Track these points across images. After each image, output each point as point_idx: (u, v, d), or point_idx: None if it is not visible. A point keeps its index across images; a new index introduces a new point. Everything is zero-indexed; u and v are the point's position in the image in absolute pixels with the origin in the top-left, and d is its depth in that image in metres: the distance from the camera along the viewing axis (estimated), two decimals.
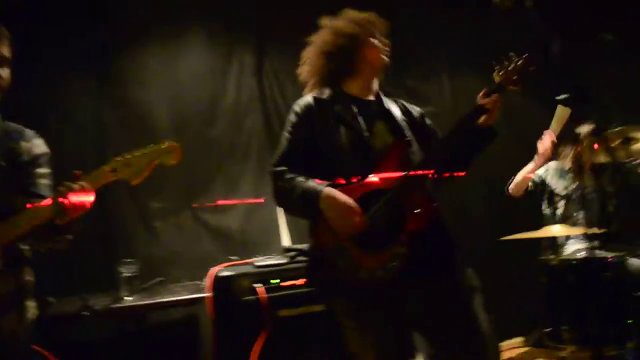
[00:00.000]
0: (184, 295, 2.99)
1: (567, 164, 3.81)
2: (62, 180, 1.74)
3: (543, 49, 1.81)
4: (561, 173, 3.82)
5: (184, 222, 3.68)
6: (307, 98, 2.10)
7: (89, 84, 3.57)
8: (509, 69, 1.95)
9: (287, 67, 4.05)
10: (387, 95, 2.22)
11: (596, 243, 3.66)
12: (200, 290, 2.97)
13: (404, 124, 2.10)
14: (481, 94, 2.00)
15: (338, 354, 2.73)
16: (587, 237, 3.49)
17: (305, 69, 2.21)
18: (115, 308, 2.82)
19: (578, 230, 3.45)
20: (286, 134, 2.06)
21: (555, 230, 3.10)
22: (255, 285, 2.83)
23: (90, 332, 2.98)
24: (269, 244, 3.70)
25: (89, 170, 1.78)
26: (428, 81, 4.53)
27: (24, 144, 1.96)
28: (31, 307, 1.94)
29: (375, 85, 2.19)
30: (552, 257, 3.37)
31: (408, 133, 2.07)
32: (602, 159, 3.58)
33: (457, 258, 1.99)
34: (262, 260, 3.01)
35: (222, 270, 2.91)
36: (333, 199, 1.85)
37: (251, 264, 3.03)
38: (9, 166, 1.90)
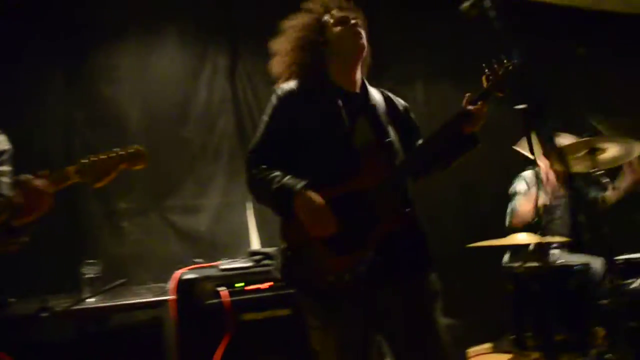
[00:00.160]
0: (147, 297, 2.93)
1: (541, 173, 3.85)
2: None
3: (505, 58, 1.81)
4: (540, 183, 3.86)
5: (152, 223, 3.64)
6: (291, 84, 2.04)
7: (59, 82, 3.51)
8: (499, 73, 1.89)
9: (261, 69, 3.97)
10: (374, 85, 2.17)
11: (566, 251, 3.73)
12: (165, 293, 2.93)
13: (387, 120, 2.04)
14: (466, 100, 1.96)
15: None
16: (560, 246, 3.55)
17: (277, 62, 2.16)
18: (75, 309, 2.76)
19: (546, 239, 3.47)
20: (265, 118, 2.03)
21: (521, 238, 3.12)
22: (219, 288, 2.80)
23: (50, 333, 2.92)
24: (239, 246, 3.68)
25: (56, 169, 1.76)
26: (402, 86, 4.54)
27: None
28: None
29: (359, 74, 2.10)
30: (517, 264, 3.39)
31: (390, 131, 2.02)
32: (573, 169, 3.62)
33: (425, 263, 2.00)
34: (227, 264, 2.98)
35: (186, 273, 2.88)
36: (306, 200, 1.83)
37: (216, 267, 3.00)
38: None
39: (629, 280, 3.42)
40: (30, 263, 2.85)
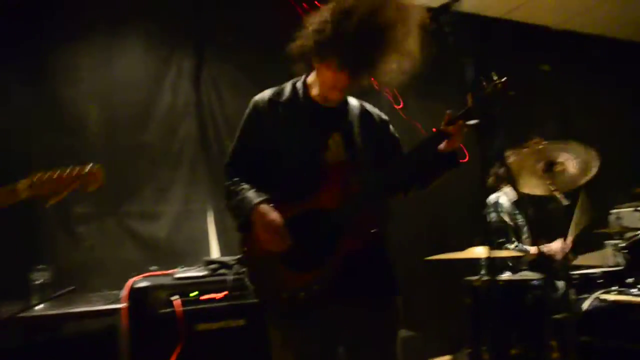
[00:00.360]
0: (99, 305, 2.86)
1: (512, 194, 3.90)
2: None
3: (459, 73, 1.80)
4: (512, 205, 3.90)
5: (109, 229, 3.56)
6: (265, 95, 2.00)
7: (18, 81, 3.42)
8: (487, 91, 1.80)
9: (226, 74, 4.02)
10: (357, 97, 2.10)
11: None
12: (118, 301, 2.86)
13: (362, 138, 1.98)
14: (445, 118, 1.87)
15: None
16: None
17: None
18: (23, 317, 2.67)
19: (503, 253, 3.51)
20: (240, 130, 2.02)
21: (478, 251, 3.14)
22: (172, 297, 2.74)
23: None
24: (198, 254, 3.61)
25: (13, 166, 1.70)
26: (367, 99, 4.54)
27: None
28: None
29: (340, 92, 1.97)
30: (475, 278, 3.41)
31: (364, 149, 1.96)
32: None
33: (388, 288, 1.96)
34: (181, 272, 2.92)
35: (140, 281, 2.82)
36: (262, 215, 1.82)
37: (171, 275, 2.94)
38: None
39: (585, 295, 3.47)
40: None
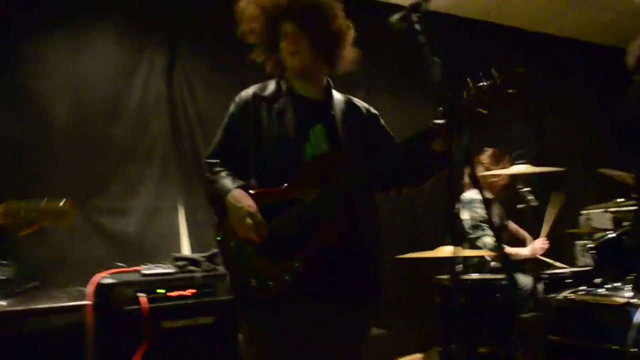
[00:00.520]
0: (64, 301, 2.81)
1: (488, 193, 3.93)
2: None
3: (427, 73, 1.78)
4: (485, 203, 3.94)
5: (76, 224, 3.46)
6: (249, 91, 2.02)
7: None
8: (484, 88, 1.70)
9: (200, 70, 3.97)
10: (345, 91, 2.09)
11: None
12: (84, 297, 2.81)
13: (346, 131, 1.96)
14: (437, 115, 1.76)
15: None
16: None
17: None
18: None
19: (474, 252, 3.54)
20: (223, 125, 2.03)
21: (448, 250, 3.15)
22: (138, 294, 2.70)
23: None
24: (168, 251, 3.56)
25: None
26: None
27: None
28: None
29: (321, 81, 2.03)
30: (445, 277, 3.43)
31: (348, 142, 1.94)
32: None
33: (364, 289, 1.90)
34: (149, 269, 2.88)
35: (106, 277, 2.77)
36: (236, 201, 1.83)
37: (138, 272, 2.90)
38: None
39: (553, 295, 3.50)
40: None
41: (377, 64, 4.40)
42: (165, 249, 3.60)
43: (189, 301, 2.80)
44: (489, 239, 3.67)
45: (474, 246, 3.69)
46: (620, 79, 2.83)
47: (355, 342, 1.92)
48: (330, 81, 2.09)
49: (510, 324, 3.32)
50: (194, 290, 2.81)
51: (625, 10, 5.15)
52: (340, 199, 1.81)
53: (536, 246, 3.69)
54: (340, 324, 1.87)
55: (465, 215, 3.81)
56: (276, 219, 1.84)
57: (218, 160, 1.99)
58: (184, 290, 2.79)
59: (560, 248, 5.01)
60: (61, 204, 1.78)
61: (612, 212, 4.52)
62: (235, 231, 1.85)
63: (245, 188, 1.89)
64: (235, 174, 1.94)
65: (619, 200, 4.40)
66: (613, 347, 2.97)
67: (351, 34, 2.03)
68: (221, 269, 2.98)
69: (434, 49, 1.69)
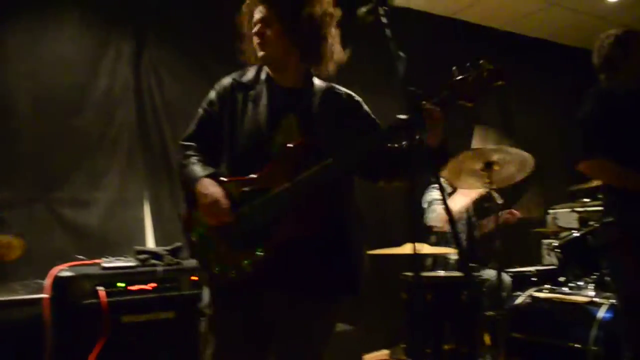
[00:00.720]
0: (21, 294, 2.73)
1: (449, 187, 3.95)
2: None
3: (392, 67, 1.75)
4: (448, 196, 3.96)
5: (37, 215, 3.39)
6: (228, 78, 2.00)
7: None
8: (469, 78, 1.64)
9: (168, 59, 3.89)
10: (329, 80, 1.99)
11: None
12: (42, 290, 2.74)
13: (322, 120, 1.88)
14: (417, 104, 1.67)
15: None
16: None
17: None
18: None
19: (441, 250, 3.55)
20: (200, 110, 2.01)
21: (418, 247, 3.14)
22: (97, 288, 2.63)
23: None
24: (132, 244, 3.48)
25: None
26: None
27: None
28: None
29: (300, 70, 1.94)
30: (412, 274, 3.42)
31: (322, 132, 1.86)
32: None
33: (330, 286, 1.83)
34: (109, 262, 2.81)
35: (64, 270, 2.69)
36: (204, 188, 1.82)
37: (98, 265, 2.83)
38: None
39: (518, 293, 3.54)
40: None
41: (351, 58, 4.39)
42: (129, 242, 3.52)
43: (150, 295, 2.74)
44: (433, 214, 3.73)
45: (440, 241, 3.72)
46: (589, 80, 2.85)
47: (316, 337, 1.87)
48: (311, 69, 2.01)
49: (475, 321, 3.34)
50: (155, 285, 2.75)
51: (595, 13, 5.22)
52: (309, 190, 1.77)
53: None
54: (302, 316, 1.83)
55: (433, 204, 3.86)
56: (243, 208, 1.81)
57: (192, 144, 1.98)
58: (145, 284, 2.73)
59: (527, 247, 5.10)
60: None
61: (578, 212, 4.58)
62: (202, 218, 1.84)
63: (215, 175, 1.87)
64: (207, 160, 1.93)
65: (585, 200, 4.46)
66: (575, 345, 3.01)
67: (332, 23, 1.93)
68: (184, 262, 2.94)
69: (400, 43, 1.67)
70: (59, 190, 3.46)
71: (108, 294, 2.64)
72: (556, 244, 3.62)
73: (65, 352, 2.62)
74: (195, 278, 2.44)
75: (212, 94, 1.99)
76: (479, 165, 3.21)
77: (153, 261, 2.84)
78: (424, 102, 1.67)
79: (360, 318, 3.83)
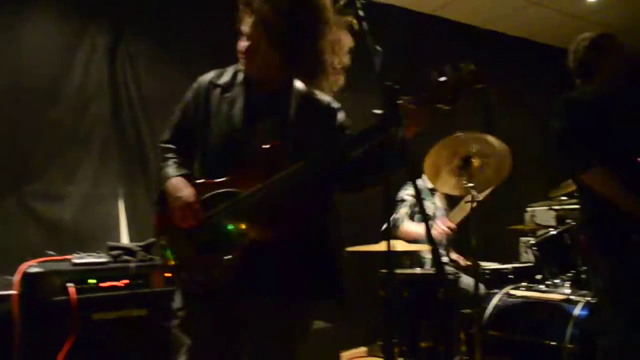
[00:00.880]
0: None
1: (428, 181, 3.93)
2: None
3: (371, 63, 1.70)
4: (427, 193, 3.95)
5: (8, 209, 3.31)
6: (207, 76, 1.95)
7: None
8: (449, 82, 1.56)
9: (145, 53, 3.82)
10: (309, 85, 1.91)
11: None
12: (11, 287, 2.67)
13: (298, 125, 1.83)
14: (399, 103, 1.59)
15: None
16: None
17: None
18: None
19: (417, 247, 3.54)
20: (176, 112, 1.99)
21: (393, 244, 3.13)
22: (67, 284, 2.58)
23: None
24: (106, 240, 3.41)
25: None
26: None
27: None
28: None
29: (280, 73, 1.86)
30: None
31: (297, 137, 1.80)
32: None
33: (299, 291, 1.78)
34: (80, 258, 2.75)
35: (33, 266, 2.63)
36: (175, 189, 1.81)
37: (69, 260, 2.77)
38: None
39: (495, 290, 3.54)
40: None
41: None
42: (103, 238, 3.45)
43: (122, 292, 2.69)
44: (396, 215, 3.79)
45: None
46: (570, 80, 2.84)
47: (287, 344, 1.82)
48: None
49: (452, 319, 3.33)
50: (128, 281, 2.70)
51: (575, 12, 5.25)
52: (280, 193, 1.72)
53: (437, 226, 3.75)
54: (271, 323, 1.78)
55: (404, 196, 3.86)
56: (213, 211, 1.78)
57: (171, 146, 1.96)
58: (117, 280, 2.68)
59: (504, 244, 5.12)
60: None
61: (555, 210, 4.61)
62: (172, 220, 1.81)
63: (189, 177, 1.85)
64: (186, 162, 1.92)
65: (563, 198, 4.48)
66: (551, 343, 3.02)
67: (330, 32, 1.79)
68: (158, 259, 2.89)
69: (378, 38, 1.64)
70: (31, 184, 3.38)
71: (78, 291, 2.59)
72: (533, 242, 3.63)
73: (34, 349, 2.57)
74: (169, 275, 2.39)
75: (188, 95, 1.96)
76: (456, 162, 3.20)
77: (126, 257, 2.79)
78: (401, 99, 1.60)
79: (338, 315, 3.81)
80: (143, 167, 3.69)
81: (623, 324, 2.46)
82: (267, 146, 1.77)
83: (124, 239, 3.60)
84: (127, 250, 2.83)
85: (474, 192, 3.03)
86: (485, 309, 3.32)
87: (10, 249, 3.24)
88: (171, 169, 1.88)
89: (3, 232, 3.28)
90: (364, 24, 1.68)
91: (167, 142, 1.98)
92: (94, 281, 2.65)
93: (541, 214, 4.99)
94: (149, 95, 3.75)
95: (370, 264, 3.77)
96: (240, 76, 1.92)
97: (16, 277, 2.60)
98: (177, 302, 1.89)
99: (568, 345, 2.93)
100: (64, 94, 3.53)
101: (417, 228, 3.79)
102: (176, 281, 1.92)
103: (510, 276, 3.77)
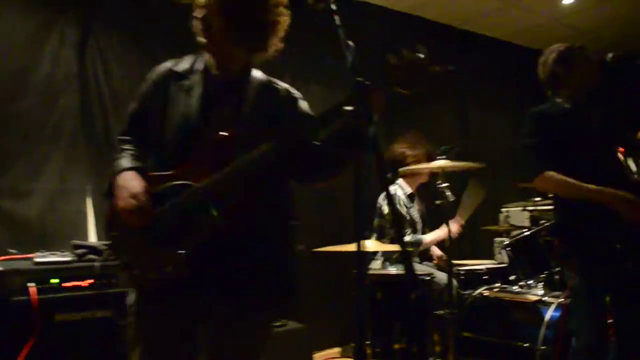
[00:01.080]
0: None
1: (407, 187, 3.92)
2: None
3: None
4: (407, 201, 3.92)
5: None
6: (165, 65, 1.89)
7: None
8: (402, 64, 1.55)
9: (115, 46, 3.72)
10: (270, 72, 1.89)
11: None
12: None
13: (254, 114, 1.78)
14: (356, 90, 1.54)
15: None
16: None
17: None
18: None
19: (390, 247, 3.51)
20: (133, 103, 1.93)
21: (367, 245, 3.10)
22: (28, 284, 2.48)
23: None
24: (74, 238, 3.32)
25: None
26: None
27: None
28: None
29: (240, 61, 1.82)
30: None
31: (252, 126, 1.75)
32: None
33: (253, 285, 1.73)
34: (43, 257, 2.66)
35: None
36: (125, 181, 1.74)
37: (31, 259, 2.67)
38: None
39: (469, 291, 3.53)
40: None
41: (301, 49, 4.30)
42: (70, 236, 3.35)
43: (86, 292, 2.60)
44: (407, 238, 3.75)
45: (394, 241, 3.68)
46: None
47: (246, 345, 1.77)
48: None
49: (425, 320, 3.31)
50: (92, 281, 2.61)
51: (551, 14, 5.28)
52: (230, 185, 1.67)
53: (453, 228, 3.71)
54: (231, 325, 1.73)
55: (385, 210, 3.80)
56: (164, 204, 1.71)
57: (128, 138, 1.89)
58: (81, 280, 2.59)
59: (478, 244, 5.13)
60: None
61: (530, 211, 4.62)
62: (120, 214, 1.73)
63: (141, 170, 1.78)
64: (142, 154, 1.85)
65: (537, 199, 4.49)
66: (524, 345, 3.02)
67: (284, 24, 1.78)
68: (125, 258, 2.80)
69: (349, 32, 1.59)
70: None
71: (39, 291, 2.50)
72: (507, 242, 3.63)
73: None
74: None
75: (146, 85, 1.90)
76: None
77: (91, 256, 2.70)
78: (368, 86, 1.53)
79: (311, 316, 3.77)
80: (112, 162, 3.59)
81: (594, 325, 2.46)
82: (223, 134, 1.70)
83: (92, 238, 3.49)
84: (92, 249, 2.74)
85: (448, 193, 3.01)
86: (458, 310, 3.31)
87: None
88: (124, 160, 1.81)
89: None
90: (337, 18, 1.64)
91: (123, 133, 1.91)
92: (56, 281, 2.56)
93: (515, 214, 5.01)
94: (119, 88, 3.65)
95: (344, 264, 3.73)
96: (199, 64, 1.85)
97: None
98: (131, 298, 1.82)
99: (541, 347, 2.93)
100: (32, 87, 3.41)
101: (437, 234, 3.79)
102: (129, 277, 1.82)
103: (484, 277, 3.76)
